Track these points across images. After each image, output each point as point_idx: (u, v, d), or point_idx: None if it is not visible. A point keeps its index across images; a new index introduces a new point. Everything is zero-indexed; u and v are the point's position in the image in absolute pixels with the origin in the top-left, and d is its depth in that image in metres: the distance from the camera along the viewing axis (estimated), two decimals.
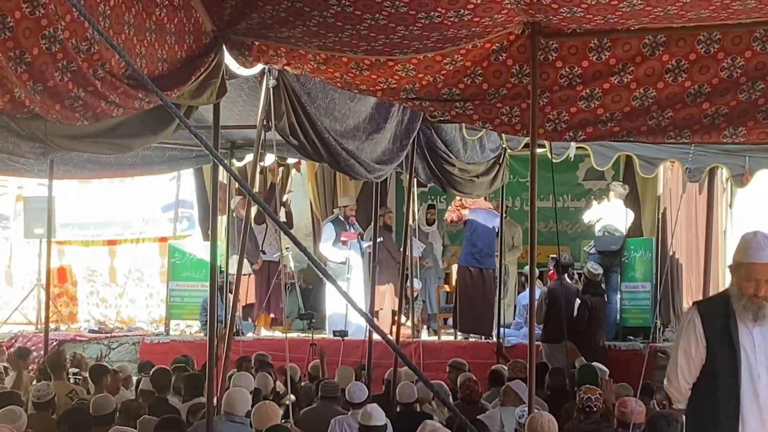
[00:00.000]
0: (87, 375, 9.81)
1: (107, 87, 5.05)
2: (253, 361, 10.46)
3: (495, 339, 13.28)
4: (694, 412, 5.28)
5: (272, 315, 14.35)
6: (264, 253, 14.15)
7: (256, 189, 14.04)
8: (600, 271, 12.83)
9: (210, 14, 6.03)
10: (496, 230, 13.80)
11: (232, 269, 11.02)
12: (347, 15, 5.81)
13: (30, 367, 10.39)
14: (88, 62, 4.84)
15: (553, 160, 11.13)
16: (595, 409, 7.44)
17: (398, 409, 8.44)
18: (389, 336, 12.33)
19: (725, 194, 14.08)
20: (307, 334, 13.19)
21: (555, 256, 12.54)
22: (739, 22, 6.14)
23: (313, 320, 13.45)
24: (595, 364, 9.75)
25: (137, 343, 13.98)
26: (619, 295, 13.88)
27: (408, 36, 6.10)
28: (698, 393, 5.21)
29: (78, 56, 4.72)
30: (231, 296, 10.01)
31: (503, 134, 11.07)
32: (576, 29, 6.45)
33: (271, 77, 7.43)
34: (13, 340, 13.81)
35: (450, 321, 14.31)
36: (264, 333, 14.23)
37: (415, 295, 13.87)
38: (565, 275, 12.70)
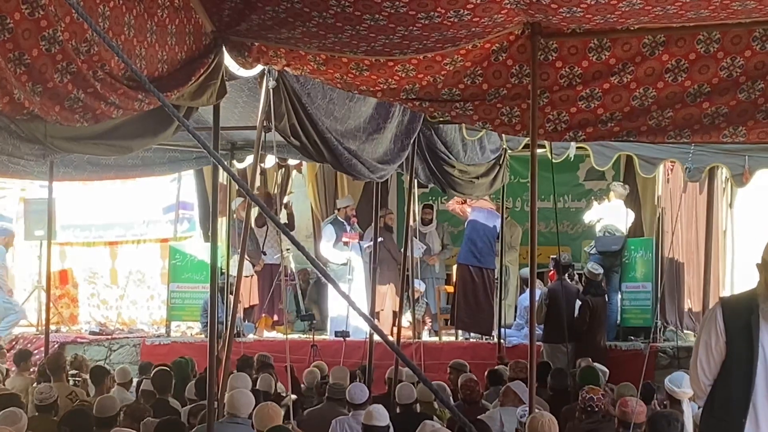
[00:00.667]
0: (87, 377, 9.82)
1: (107, 88, 5.05)
2: (255, 362, 10.46)
3: (496, 339, 13.29)
4: (709, 405, 5.23)
5: (275, 318, 14.35)
6: (265, 254, 14.17)
7: (255, 191, 14.06)
8: (601, 271, 12.84)
9: (209, 15, 6.03)
10: (497, 230, 13.80)
11: (233, 271, 11.01)
12: (347, 16, 5.81)
13: (31, 370, 10.40)
14: (88, 63, 4.83)
15: (553, 161, 11.13)
16: (596, 409, 7.46)
17: (398, 410, 8.43)
18: (390, 337, 12.38)
19: (725, 194, 14.08)
20: (308, 335, 13.21)
21: (555, 256, 12.55)
22: (739, 21, 6.14)
23: (314, 321, 13.49)
24: (595, 364, 9.76)
25: (138, 345, 14.00)
26: (619, 296, 13.89)
27: (408, 36, 6.09)
28: (714, 387, 5.15)
29: (78, 57, 4.72)
30: (232, 298, 10.01)
31: (503, 135, 11.08)
32: (576, 29, 6.45)
33: (271, 78, 7.42)
34: (14, 342, 13.82)
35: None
36: (265, 334, 14.25)
37: (417, 296, 13.88)
38: (566, 275, 12.70)
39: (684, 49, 6.37)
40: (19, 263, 16.52)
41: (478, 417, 7.76)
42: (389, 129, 9.45)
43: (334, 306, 14.17)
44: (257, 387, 8.82)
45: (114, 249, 16.71)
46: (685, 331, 13.48)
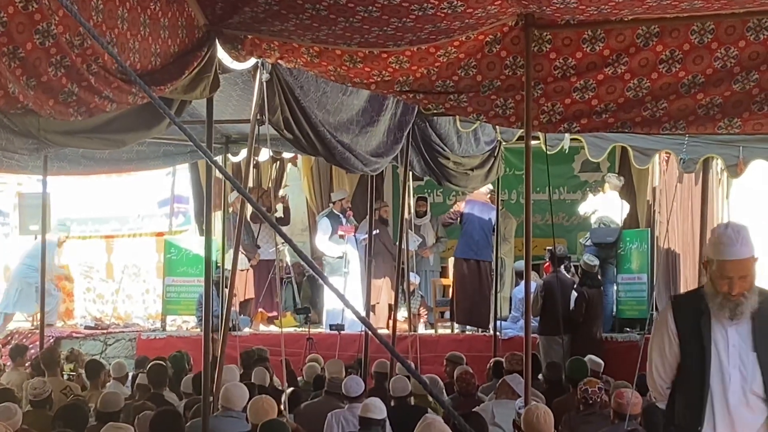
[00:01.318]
0: (82, 371, 9.81)
1: (101, 82, 5.04)
2: (250, 356, 10.46)
3: (492, 332, 13.30)
4: (667, 413, 5.03)
5: (274, 312, 14.34)
6: (259, 248, 14.16)
7: (250, 184, 14.03)
8: (596, 262, 12.85)
9: (202, 8, 6.02)
10: (493, 222, 13.81)
11: (228, 264, 11.01)
12: (340, 8, 5.80)
13: (27, 365, 10.39)
14: (82, 57, 4.83)
15: (548, 152, 11.12)
16: (591, 402, 7.48)
17: (392, 403, 8.43)
18: (382, 332, 12.37)
19: (721, 185, 14.07)
20: (303, 329, 13.22)
21: (551, 248, 12.55)
22: (733, 12, 6.13)
23: (310, 315, 13.49)
24: (590, 356, 9.77)
25: (134, 339, 13.99)
26: (615, 287, 13.90)
27: (401, 28, 6.08)
28: (672, 393, 4.96)
29: (72, 51, 4.72)
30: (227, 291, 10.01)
31: (497, 126, 11.07)
32: (569, 20, 6.44)
33: (265, 71, 7.40)
34: (9, 337, 13.82)
35: (447, 314, 14.33)
36: (261, 328, 14.26)
37: (412, 289, 13.88)
38: (562, 267, 12.70)
39: (678, 40, 6.35)
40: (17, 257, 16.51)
41: (473, 410, 7.76)
42: (382, 122, 9.43)
43: (330, 299, 14.17)
44: (252, 380, 8.82)
45: (110, 243, 16.71)
46: None
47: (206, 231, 7.13)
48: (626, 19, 6.33)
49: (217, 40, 6.26)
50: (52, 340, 13.33)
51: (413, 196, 14.47)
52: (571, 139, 12.06)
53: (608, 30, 6.44)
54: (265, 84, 7.49)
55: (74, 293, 16.44)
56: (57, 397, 8.20)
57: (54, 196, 14.00)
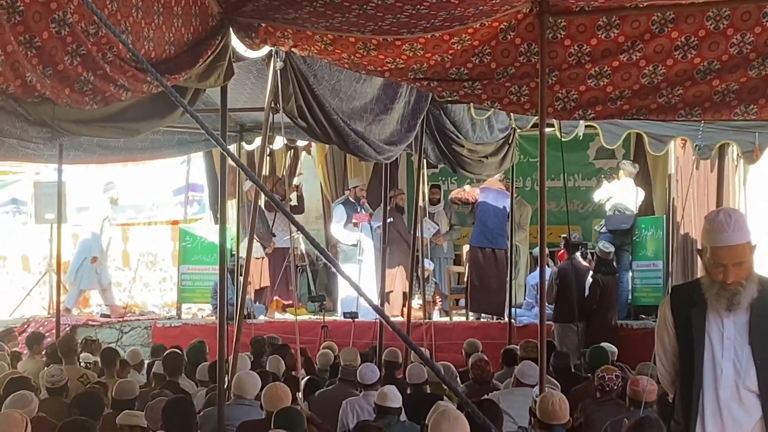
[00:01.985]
0: (98, 359, 9.85)
1: (116, 71, 5.06)
2: (266, 344, 10.48)
3: (506, 319, 13.28)
4: (670, 406, 4.88)
5: (290, 301, 14.34)
6: (275, 236, 14.17)
7: (264, 172, 14.03)
8: (611, 249, 12.82)
9: None
10: (508, 210, 13.78)
11: (243, 252, 11.02)
12: None
13: (43, 353, 10.44)
14: (97, 46, 4.84)
15: (563, 139, 11.09)
16: (607, 389, 7.47)
17: (408, 391, 8.43)
18: (396, 320, 12.37)
19: (737, 171, 14.01)
20: (318, 317, 13.23)
21: (566, 235, 12.52)
22: None
23: (324, 302, 13.50)
24: (605, 344, 9.75)
25: (149, 327, 14.03)
26: (630, 274, 13.87)
27: (415, 15, 6.07)
28: (676, 387, 4.77)
29: (87, 40, 4.73)
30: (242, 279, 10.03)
31: (512, 114, 11.05)
32: (584, 7, 6.42)
33: (279, 59, 7.40)
34: (26, 326, 13.88)
35: (462, 302, 14.32)
36: (276, 316, 14.28)
37: (426, 275, 13.88)
38: (577, 254, 12.67)
39: (693, 26, 6.33)
40: (35, 246, 16.59)
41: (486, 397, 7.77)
42: (396, 109, 9.42)
43: (344, 287, 14.18)
44: (267, 368, 8.84)
45: (126, 231, 16.73)
46: None
47: (221, 219, 7.14)
48: (641, 6, 6.30)
49: (231, 29, 6.26)
50: (68, 328, 13.38)
51: (427, 184, 14.45)
52: (585, 126, 12.04)
53: (623, 16, 6.41)
54: (279, 72, 7.49)
55: None
56: (74, 385, 8.23)
57: (69, 185, 14.05)
